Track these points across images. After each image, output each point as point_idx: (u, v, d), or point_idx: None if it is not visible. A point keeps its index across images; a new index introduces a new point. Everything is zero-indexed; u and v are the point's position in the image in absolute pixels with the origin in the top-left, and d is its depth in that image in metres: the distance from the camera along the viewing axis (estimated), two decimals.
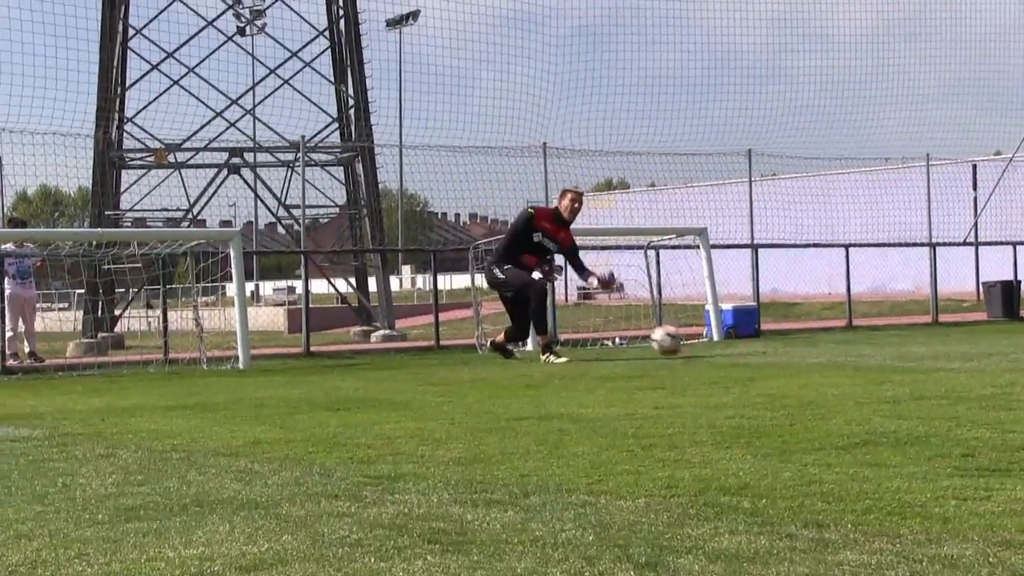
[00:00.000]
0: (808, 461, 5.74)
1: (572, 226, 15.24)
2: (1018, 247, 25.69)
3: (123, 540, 4.34)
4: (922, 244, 24.59)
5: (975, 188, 29.28)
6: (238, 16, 28.06)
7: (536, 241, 14.94)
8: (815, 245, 25.63)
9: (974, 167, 30.13)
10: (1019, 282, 24.26)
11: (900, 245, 26.30)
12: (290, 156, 26.07)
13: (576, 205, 15.10)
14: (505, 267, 14.99)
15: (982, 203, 27.31)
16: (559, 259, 15.60)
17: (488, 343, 15.98)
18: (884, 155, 29.49)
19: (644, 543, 4.07)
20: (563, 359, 14.65)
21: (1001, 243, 26.48)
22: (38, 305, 20.37)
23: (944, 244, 25.05)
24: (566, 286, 34.63)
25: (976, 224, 26.97)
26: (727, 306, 19.81)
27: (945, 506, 4.56)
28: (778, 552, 3.90)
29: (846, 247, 23.18)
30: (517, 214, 15.48)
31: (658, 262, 20.35)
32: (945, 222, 26.16)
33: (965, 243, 26.87)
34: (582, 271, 15.12)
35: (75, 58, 24.53)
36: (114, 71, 25.45)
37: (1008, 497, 4.70)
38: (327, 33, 26.90)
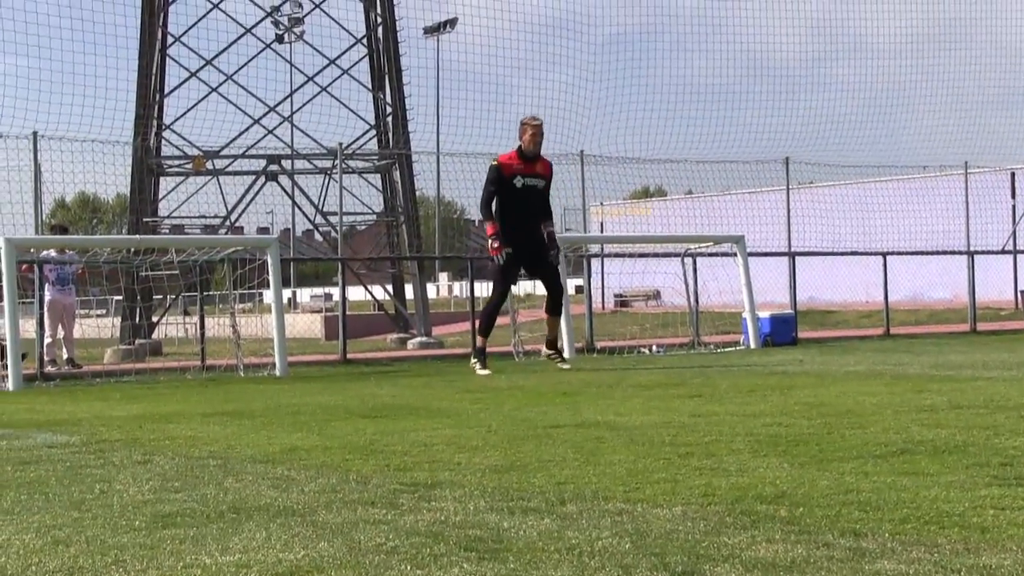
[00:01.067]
0: (845, 470, 5.71)
1: (610, 233, 15.22)
2: None
3: (160, 547, 4.36)
4: (960, 252, 24.45)
5: (1013, 196, 29.10)
6: (276, 24, 28.19)
7: (520, 186, 14.37)
8: (852, 253, 25.52)
9: (1012, 175, 29.94)
10: None
11: (938, 253, 26.15)
12: (328, 163, 26.15)
13: (538, 137, 14.43)
14: (500, 248, 14.39)
15: (1020, 211, 27.12)
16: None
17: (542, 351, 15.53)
18: (922, 163, 29.32)
19: (681, 551, 4.06)
20: (485, 372, 14.32)
21: None
22: (77, 312, 20.50)
23: (982, 252, 24.89)
24: (603, 294, 34.60)
25: (1015, 232, 26.80)
26: (764, 314, 19.75)
27: (983, 515, 4.53)
28: (815, 561, 3.88)
29: (884, 255, 23.07)
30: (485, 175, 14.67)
31: (695, 270, 20.30)
32: (983, 230, 26.01)
33: (1003, 251, 26.70)
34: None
35: (114, 65, 24.93)
36: (153, 78, 25.61)
37: None
38: (365, 40, 26.98)
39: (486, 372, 14.36)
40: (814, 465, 5.91)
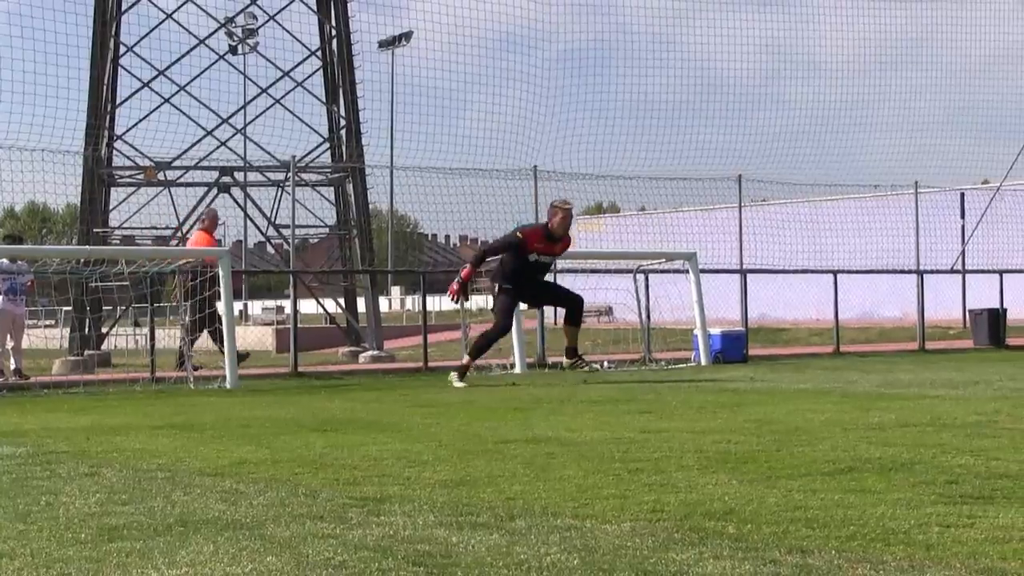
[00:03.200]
0: (794, 487, 5.74)
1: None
2: (1004, 275, 25.76)
3: (106, 560, 4.33)
4: (910, 271, 24.66)
5: (963, 216, 29.38)
6: (230, 35, 28.09)
7: (533, 261, 14.91)
8: (804, 271, 25.67)
9: (962, 195, 30.24)
10: (1005, 310, 24.32)
11: (888, 272, 26.36)
12: (280, 176, 26.06)
13: (568, 221, 15.02)
14: (506, 285, 14.92)
15: (969, 231, 27.39)
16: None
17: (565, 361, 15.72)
18: (873, 182, 29.59)
19: (629, 568, 4.07)
20: (462, 384, 14.67)
21: (988, 271, 26.55)
22: (25, 323, 20.33)
23: (932, 272, 25.11)
24: (555, 309, 34.64)
25: (964, 252, 27.05)
26: (715, 331, 19.84)
27: (928, 533, 4.57)
28: None
29: (835, 273, 23.23)
30: (505, 235, 15.32)
31: (647, 286, 20.38)
32: (933, 250, 26.24)
33: (952, 271, 26.95)
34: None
35: (65, 75, 24.48)
36: (105, 88, 25.43)
37: (991, 524, 4.71)
38: (319, 53, 26.92)
39: (463, 384, 14.64)
40: (763, 482, 5.94)
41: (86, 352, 23.06)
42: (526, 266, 14.87)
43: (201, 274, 17.78)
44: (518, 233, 15.00)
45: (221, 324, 17.44)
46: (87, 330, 23.84)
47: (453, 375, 15.01)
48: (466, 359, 15.30)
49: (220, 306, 17.47)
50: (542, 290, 15.49)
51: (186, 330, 17.61)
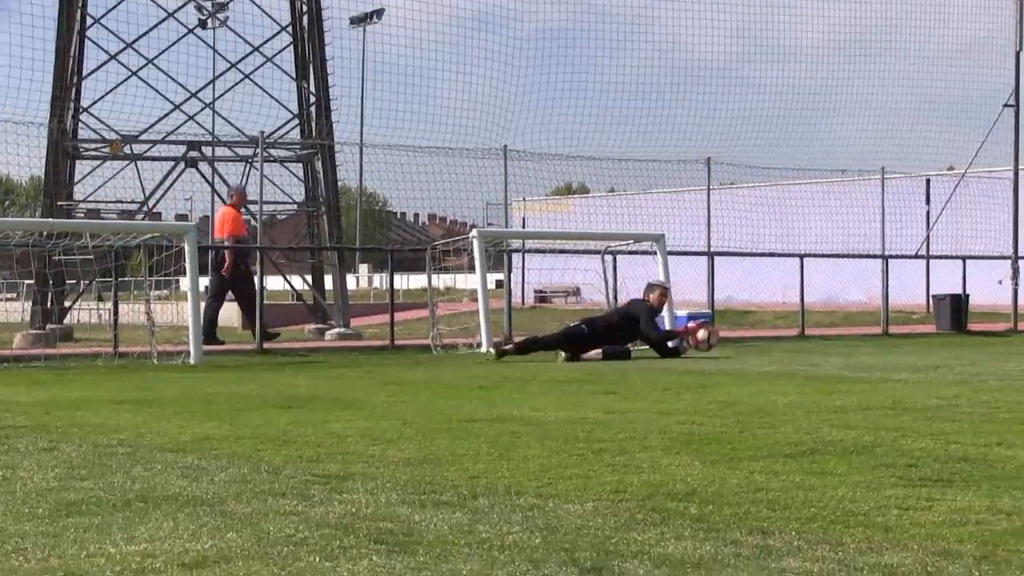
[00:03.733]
0: (756, 468, 5.77)
1: (531, 229, 15.44)
2: (968, 261, 25.90)
3: (63, 535, 4.30)
4: (875, 256, 24.75)
5: (928, 202, 29.50)
6: (200, 8, 27.89)
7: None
8: (770, 254, 25.75)
9: (927, 181, 30.35)
10: (967, 296, 24.44)
11: (853, 256, 26.46)
12: (249, 151, 25.91)
13: (664, 299, 16.56)
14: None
15: (934, 217, 27.52)
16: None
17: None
18: (841, 167, 29.61)
19: (590, 547, 4.08)
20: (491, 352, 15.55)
21: (951, 257, 26.67)
22: None
23: (896, 256, 25.22)
24: (523, 289, 34.66)
25: (928, 238, 27.18)
26: (682, 312, 19.85)
27: (887, 515, 4.60)
28: (722, 558, 3.92)
29: (801, 257, 23.30)
30: (640, 306, 16.16)
31: (615, 267, 20.39)
32: (898, 235, 26.34)
33: (917, 256, 27.07)
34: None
35: (31, 46, 24.23)
36: (71, 60, 25.21)
37: (949, 508, 4.74)
38: (290, 29, 26.76)
39: (492, 352, 15.87)
40: (725, 463, 5.96)
41: (48, 326, 22.93)
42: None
43: (236, 251, 18.47)
44: (647, 304, 16.22)
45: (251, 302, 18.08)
46: (49, 304, 23.70)
47: (491, 351, 15.98)
48: (511, 345, 15.94)
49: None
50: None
51: (213, 304, 18.48)
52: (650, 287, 16.50)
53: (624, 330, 15.89)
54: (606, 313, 16.99)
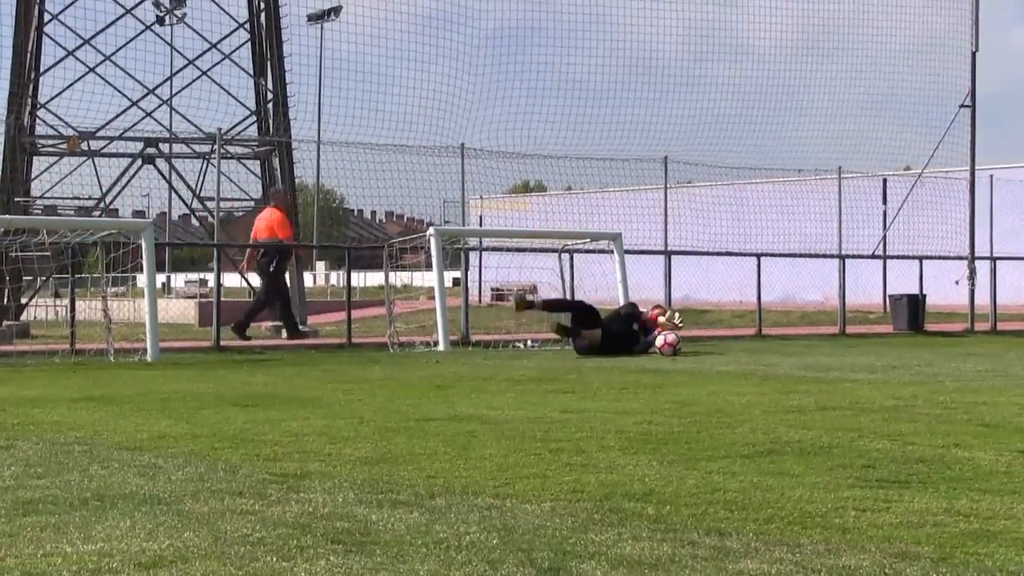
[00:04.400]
0: (713, 469, 5.79)
1: (489, 227, 15.47)
2: (924, 261, 26.07)
3: (19, 535, 4.27)
4: (832, 256, 24.88)
5: (884, 202, 29.68)
6: (157, 5, 27.75)
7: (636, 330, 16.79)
8: (728, 254, 25.83)
9: (884, 181, 30.54)
10: (924, 296, 24.60)
11: (811, 256, 26.58)
12: (206, 148, 25.81)
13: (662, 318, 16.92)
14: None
15: (891, 217, 27.68)
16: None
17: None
18: (798, 167, 29.71)
19: (548, 548, 4.08)
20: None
21: (908, 257, 26.85)
22: None
23: (853, 256, 25.36)
24: (480, 287, 34.64)
25: (884, 238, 27.34)
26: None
27: (845, 516, 4.63)
28: (680, 559, 3.93)
29: (758, 256, 23.38)
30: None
31: (572, 266, 20.42)
32: (855, 235, 26.48)
33: (873, 256, 27.23)
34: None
35: None
36: (28, 56, 25.02)
37: (906, 509, 4.77)
38: (247, 25, 26.64)
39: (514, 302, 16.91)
40: (682, 464, 5.98)
41: (4, 323, 22.73)
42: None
43: (278, 252, 18.63)
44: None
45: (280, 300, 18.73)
46: (5, 300, 23.50)
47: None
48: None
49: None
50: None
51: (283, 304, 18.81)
52: (658, 307, 17.47)
53: (622, 324, 16.70)
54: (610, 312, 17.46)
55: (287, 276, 20.49)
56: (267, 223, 19.85)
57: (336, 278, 64.73)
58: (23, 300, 25.14)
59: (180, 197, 27.55)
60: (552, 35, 28.54)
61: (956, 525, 4.49)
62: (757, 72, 31.31)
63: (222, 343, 18.24)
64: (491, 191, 27.99)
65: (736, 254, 25.27)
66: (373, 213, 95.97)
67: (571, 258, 20.47)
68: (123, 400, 9.75)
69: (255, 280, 29.26)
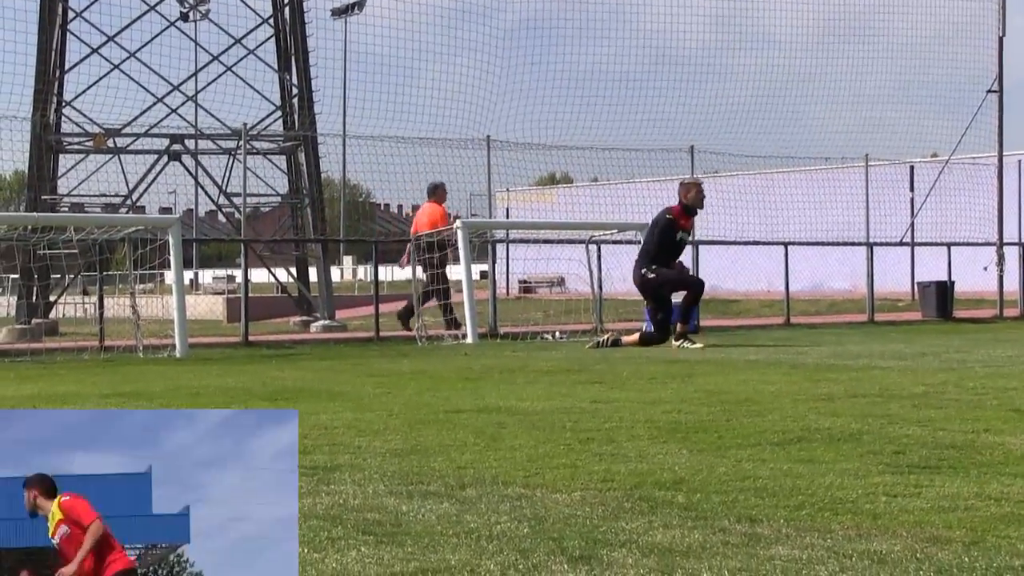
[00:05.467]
0: (743, 457, 5.78)
1: (515, 219, 15.40)
2: (952, 248, 25.95)
3: None
4: (859, 244, 24.79)
5: (912, 189, 29.55)
6: (181, 1, 27.83)
7: (678, 240, 15.53)
8: (755, 243, 25.78)
9: (911, 168, 30.39)
10: (953, 283, 24.49)
11: (838, 244, 26.51)
12: (232, 144, 25.90)
13: (703, 194, 15.68)
14: (653, 267, 15.37)
15: (918, 204, 27.56)
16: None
17: (608, 339, 15.60)
18: (824, 155, 29.60)
19: (578, 536, 4.08)
20: (698, 345, 15.08)
21: (936, 244, 26.73)
22: None
23: (881, 244, 25.27)
24: (508, 280, 34.65)
25: (912, 225, 27.22)
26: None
27: (875, 502, 4.61)
28: (711, 546, 3.92)
29: (785, 245, 23.32)
30: (657, 218, 15.68)
31: (599, 257, 20.40)
32: (882, 222, 26.37)
33: (901, 243, 27.12)
34: None
35: (12, 39, 24.20)
36: (53, 54, 25.15)
37: (936, 494, 4.75)
38: (272, 21, 26.73)
39: (699, 345, 15.10)
40: (712, 452, 5.97)
41: (33, 320, 22.89)
42: (673, 247, 15.55)
43: (439, 246, 18.61)
44: (668, 215, 15.44)
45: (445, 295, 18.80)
46: (34, 298, 23.65)
47: (684, 343, 15.15)
48: (679, 327, 15.44)
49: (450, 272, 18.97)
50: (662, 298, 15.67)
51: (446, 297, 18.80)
52: (683, 186, 15.76)
53: (679, 251, 15.75)
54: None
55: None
56: (429, 217, 19.88)
57: (364, 272, 64.90)
58: (52, 298, 25.29)
59: (206, 193, 27.67)
60: (577, 26, 28.54)
61: (987, 509, 4.47)
62: (782, 60, 31.18)
63: (250, 338, 18.30)
64: (517, 183, 28.00)
65: (763, 243, 25.21)
66: (399, 207, 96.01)
67: (598, 249, 20.45)
68: (153, 396, 9.79)
69: (281, 275, 29.34)
